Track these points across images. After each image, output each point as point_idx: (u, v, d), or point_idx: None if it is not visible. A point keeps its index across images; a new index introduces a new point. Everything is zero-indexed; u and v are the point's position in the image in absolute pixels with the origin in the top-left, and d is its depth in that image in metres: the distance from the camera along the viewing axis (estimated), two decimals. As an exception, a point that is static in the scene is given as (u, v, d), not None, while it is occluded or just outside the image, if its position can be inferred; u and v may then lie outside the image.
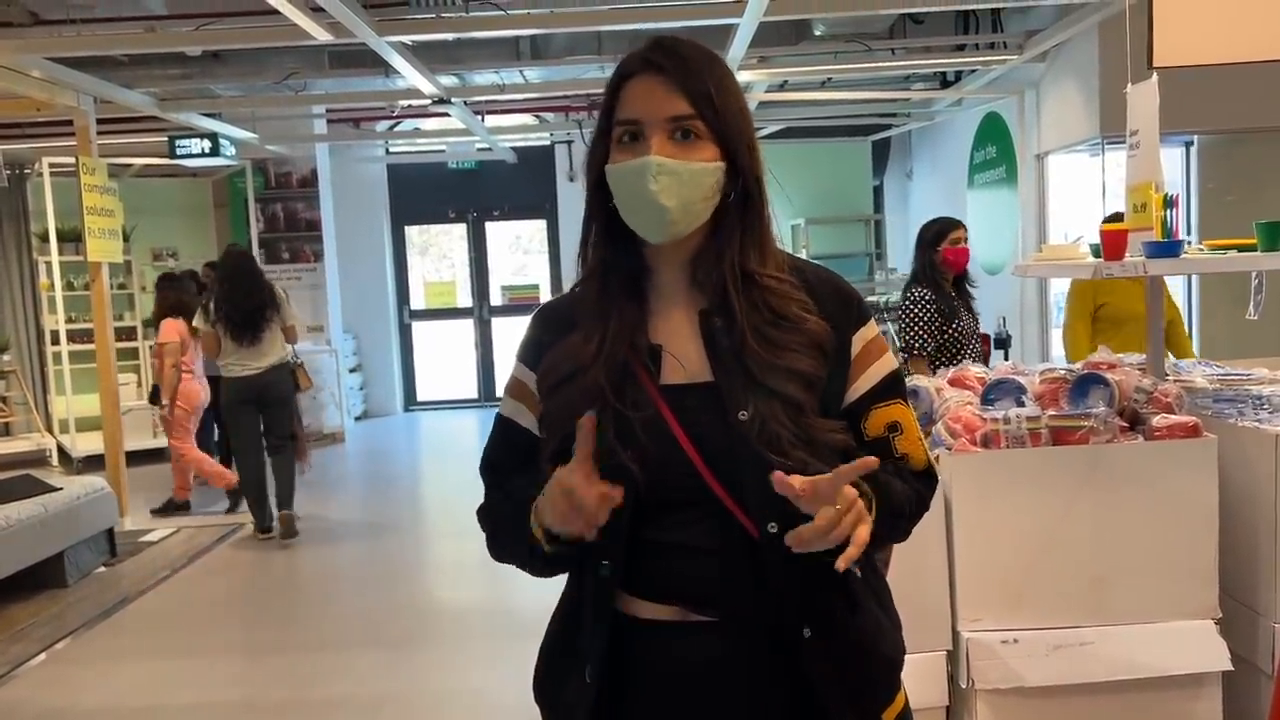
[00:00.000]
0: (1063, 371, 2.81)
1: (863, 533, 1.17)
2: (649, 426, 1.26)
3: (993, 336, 7.17)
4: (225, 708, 3.89)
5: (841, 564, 1.16)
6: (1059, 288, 7.77)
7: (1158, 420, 2.60)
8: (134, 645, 4.69)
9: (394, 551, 6.10)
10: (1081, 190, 7.28)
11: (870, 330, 1.36)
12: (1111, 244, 2.95)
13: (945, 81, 8.45)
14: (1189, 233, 6.44)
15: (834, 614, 1.31)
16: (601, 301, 1.33)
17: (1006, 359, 6.48)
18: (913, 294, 4.35)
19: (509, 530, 1.36)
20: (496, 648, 4.28)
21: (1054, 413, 2.65)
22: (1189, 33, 1.65)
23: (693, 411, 1.27)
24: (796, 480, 1.15)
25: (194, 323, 6.24)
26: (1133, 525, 2.56)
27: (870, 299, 9.08)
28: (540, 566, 1.34)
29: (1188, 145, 6.79)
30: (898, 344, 4.23)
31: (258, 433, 6.10)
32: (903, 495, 1.32)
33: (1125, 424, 2.67)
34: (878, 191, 11.05)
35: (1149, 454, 2.56)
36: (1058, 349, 7.55)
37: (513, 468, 1.39)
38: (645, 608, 1.31)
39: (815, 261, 1.44)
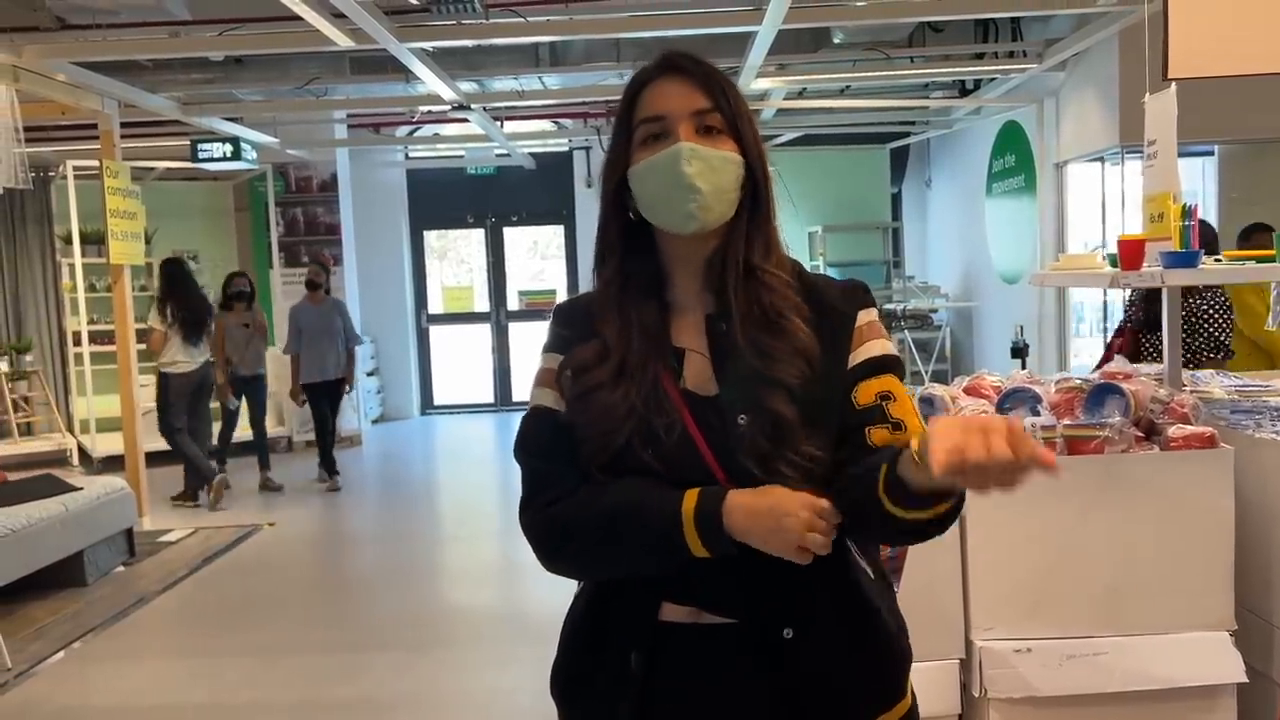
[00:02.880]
0: (1079, 381, 2.80)
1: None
2: (672, 431, 1.29)
3: (1010, 346, 7.17)
4: (240, 708, 3.92)
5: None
6: (1078, 297, 7.75)
7: (1174, 430, 2.59)
8: (151, 644, 4.74)
9: (409, 554, 6.12)
10: (1102, 199, 7.25)
11: (872, 314, 1.38)
12: (1128, 254, 2.95)
13: (964, 90, 8.43)
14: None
15: (820, 616, 1.31)
16: (622, 305, 1.36)
17: (1024, 368, 6.46)
18: (1218, 295, 4.05)
19: (636, 522, 1.28)
20: (510, 650, 4.29)
21: (1069, 422, 2.65)
22: (1205, 44, 1.64)
23: (707, 416, 1.30)
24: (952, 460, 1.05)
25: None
26: (1148, 535, 2.55)
27: (888, 307, 9.06)
28: (659, 562, 1.29)
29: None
30: (1201, 347, 3.97)
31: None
32: None
33: (1141, 434, 2.66)
34: (896, 199, 11.05)
35: (1164, 464, 2.55)
36: (1076, 358, 7.53)
37: (563, 454, 1.34)
38: (667, 610, 1.33)
39: (830, 270, 1.46)
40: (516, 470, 1.40)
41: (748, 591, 1.29)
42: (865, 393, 1.33)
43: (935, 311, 9.66)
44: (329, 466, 7.76)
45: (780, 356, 1.29)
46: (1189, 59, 1.63)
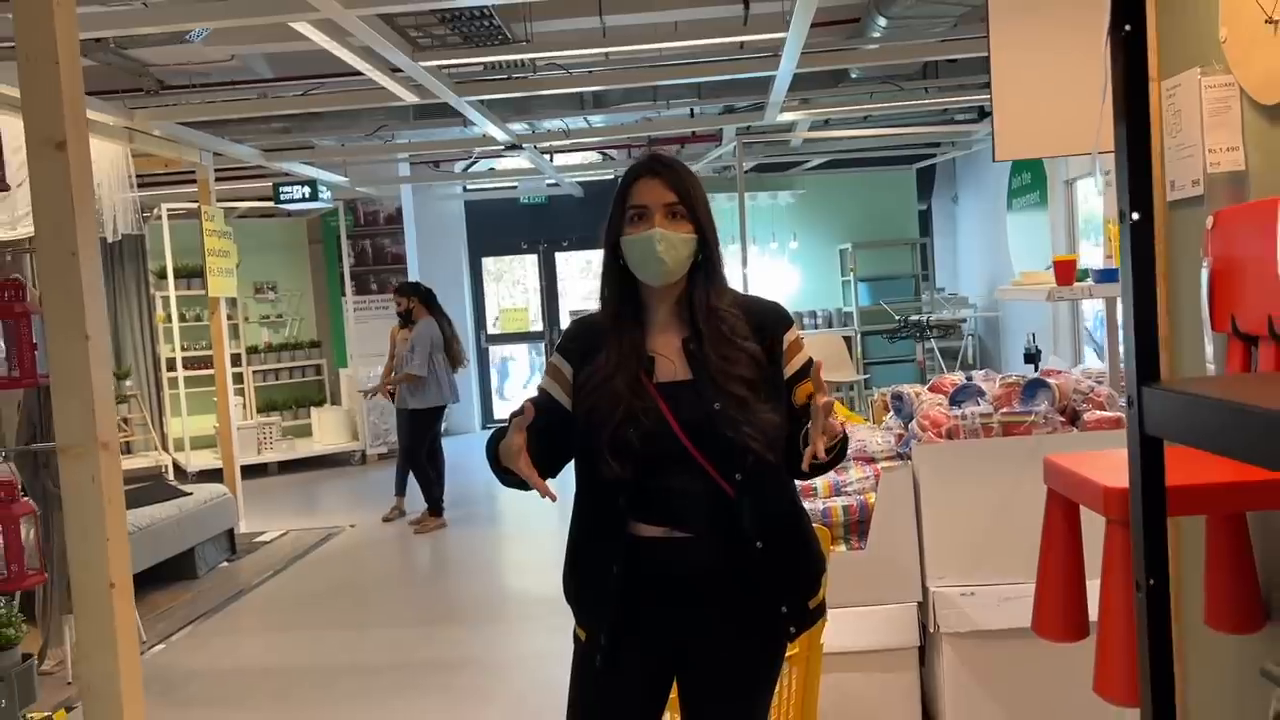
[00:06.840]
0: (1016, 378, 3.41)
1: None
2: (649, 412, 1.96)
3: (1023, 352, 7.69)
4: (335, 668, 4.65)
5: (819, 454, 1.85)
6: (1088, 307, 8.25)
7: (1088, 415, 3.20)
8: (257, 622, 5.51)
9: (472, 548, 6.86)
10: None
11: (794, 332, 2.07)
12: (1062, 272, 3.56)
13: (983, 113, 8.99)
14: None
15: (776, 534, 1.99)
16: (616, 329, 2.03)
17: (1036, 372, 6.98)
18: None
19: (491, 453, 1.95)
20: (556, 623, 4.90)
21: (1005, 410, 3.27)
22: (1026, 129, 2.18)
23: (679, 401, 1.97)
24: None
25: None
26: (1068, 500, 3.15)
27: (914, 318, 9.62)
28: (504, 479, 1.95)
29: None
30: None
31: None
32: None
33: (1065, 420, 3.27)
34: (926, 215, 11.58)
35: (1079, 442, 3.15)
36: (1087, 365, 8.02)
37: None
38: (645, 529, 2.00)
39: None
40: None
41: (727, 516, 1.94)
42: (800, 394, 2.02)
43: (964, 321, 10.18)
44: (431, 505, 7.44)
45: (738, 360, 1.97)
46: (1013, 143, 2.18)
